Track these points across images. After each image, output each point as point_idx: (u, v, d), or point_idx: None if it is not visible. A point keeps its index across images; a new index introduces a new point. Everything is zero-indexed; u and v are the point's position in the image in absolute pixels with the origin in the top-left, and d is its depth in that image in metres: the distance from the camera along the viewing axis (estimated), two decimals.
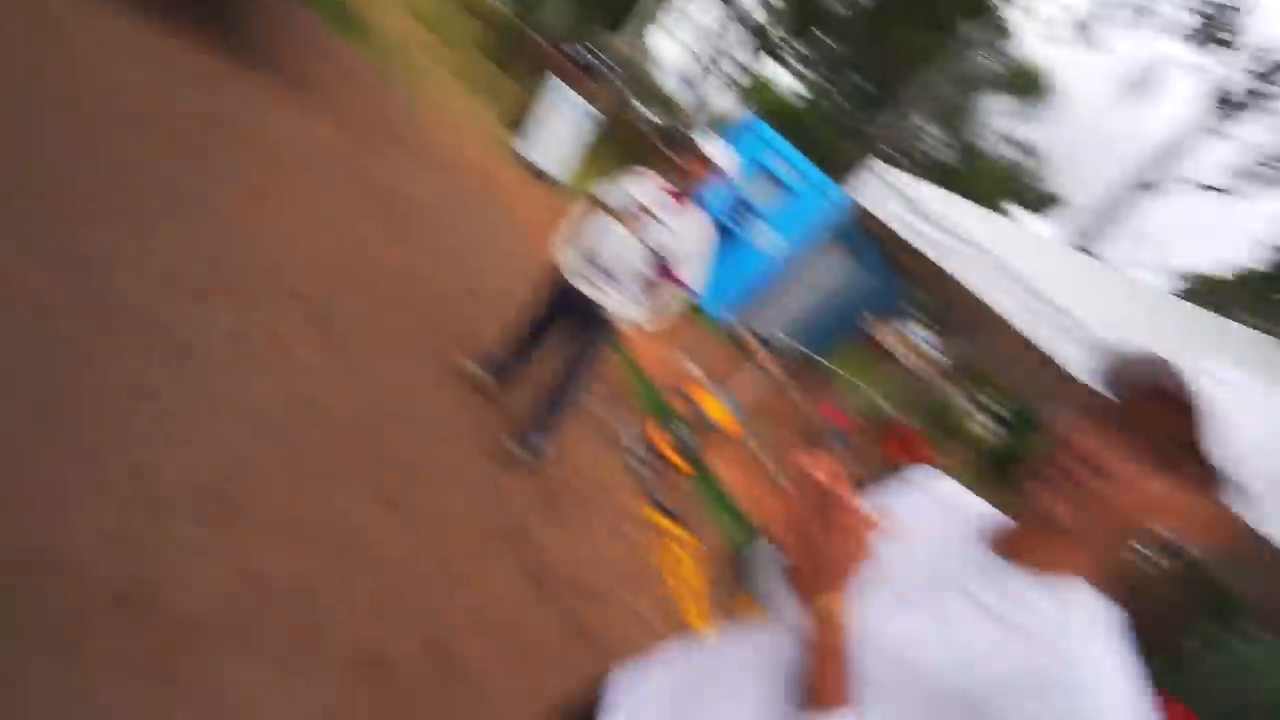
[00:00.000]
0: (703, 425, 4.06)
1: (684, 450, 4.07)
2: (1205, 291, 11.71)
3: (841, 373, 8.32)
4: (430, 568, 2.18)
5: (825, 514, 0.64)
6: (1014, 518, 0.74)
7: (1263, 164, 12.24)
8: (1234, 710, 7.30)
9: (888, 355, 20.79)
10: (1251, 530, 2.78)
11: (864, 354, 17.34)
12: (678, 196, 2.65)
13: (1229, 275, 11.88)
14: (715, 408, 4.05)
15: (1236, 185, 13.04)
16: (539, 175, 7.86)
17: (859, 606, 0.67)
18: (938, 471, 0.89)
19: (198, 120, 3.45)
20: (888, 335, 22.80)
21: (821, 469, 0.64)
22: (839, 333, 9.41)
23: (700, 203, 2.70)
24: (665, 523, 3.47)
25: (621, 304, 2.72)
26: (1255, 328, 8.63)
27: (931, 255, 3.74)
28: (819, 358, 7.25)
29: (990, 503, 0.83)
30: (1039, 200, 21.21)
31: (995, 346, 7.14)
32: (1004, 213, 14.50)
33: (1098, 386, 0.69)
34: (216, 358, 2.23)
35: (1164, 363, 0.62)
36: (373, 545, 2.08)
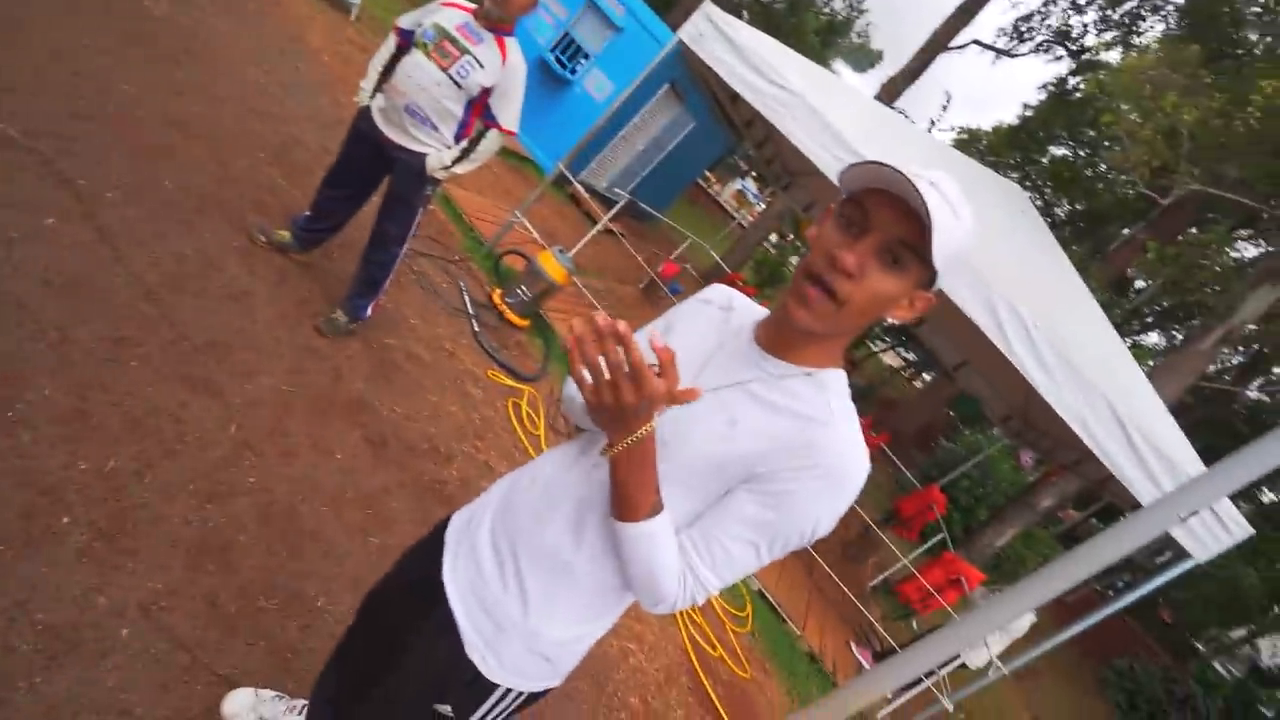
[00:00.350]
0: (538, 281, 4.05)
1: (520, 307, 4.07)
2: (972, 142, 13.36)
3: (673, 225, 8.56)
4: (258, 440, 2.08)
5: (619, 366, 0.66)
6: (776, 319, 0.86)
7: (1032, 26, 13.67)
8: (980, 492, 9.67)
9: (718, 206, 21.60)
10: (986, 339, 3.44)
11: (695, 205, 17.85)
12: (493, 28, 2.40)
13: (988, 129, 13.65)
14: (550, 264, 4.03)
15: (1015, 48, 14.48)
16: (335, 2, 6.64)
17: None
18: (723, 287, 1.00)
19: None
20: (717, 186, 23.47)
21: (613, 324, 0.65)
22: (670, 184, 9.53)
23: (516, 36, 2.47)
24: (504, 377, 3.54)
25: (435, 149, 2.50)
26: (1001, 172, 10.17)
27: (757, 105, 3.81)
28: (651, 209, 7.34)
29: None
30: (863, 57, 22.04)
31: (815, 198, 7.68)
32: (829, 68, 14.96)
33: (840, 187, 0.78)
34: None
35: (892, 168, 0.70)
36: (185, 429, 1.92)
